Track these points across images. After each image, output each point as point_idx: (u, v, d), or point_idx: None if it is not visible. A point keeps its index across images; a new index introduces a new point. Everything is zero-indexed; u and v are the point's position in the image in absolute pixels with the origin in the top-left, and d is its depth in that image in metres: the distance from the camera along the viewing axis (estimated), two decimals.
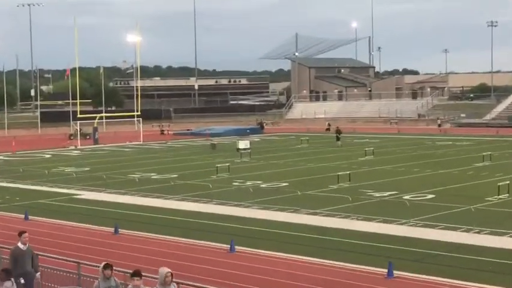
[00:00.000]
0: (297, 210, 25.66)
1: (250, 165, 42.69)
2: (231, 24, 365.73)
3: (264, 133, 75.54)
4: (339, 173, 33.74)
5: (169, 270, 11.26)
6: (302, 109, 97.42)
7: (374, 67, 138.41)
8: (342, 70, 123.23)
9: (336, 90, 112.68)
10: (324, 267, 17.90)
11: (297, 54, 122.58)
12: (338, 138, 55.72)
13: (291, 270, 17.67)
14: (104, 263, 11.66)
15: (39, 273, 13.61)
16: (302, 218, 24.47)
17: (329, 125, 76.98)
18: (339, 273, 17.29)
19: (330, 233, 21.95)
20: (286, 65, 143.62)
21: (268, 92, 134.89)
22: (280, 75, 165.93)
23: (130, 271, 13.42)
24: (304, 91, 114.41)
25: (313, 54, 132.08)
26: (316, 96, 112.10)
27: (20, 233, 13.90)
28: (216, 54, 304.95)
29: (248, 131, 74.38)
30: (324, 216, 24.83)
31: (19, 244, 13.68)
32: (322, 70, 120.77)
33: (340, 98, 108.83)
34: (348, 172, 34.33)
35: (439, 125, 77.89)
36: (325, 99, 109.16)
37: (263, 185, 32.91)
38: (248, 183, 33.40)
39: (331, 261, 18.35)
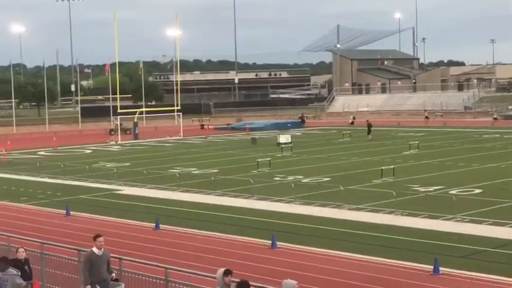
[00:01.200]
0: (339, 206, 25.19)
1: (292, 159, 42.26)
2: (271, 17, 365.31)
3: (305, 127, 75.01)
4: (383, 168, 33.12)
5: (229, 270, 11.10)
6: (344, 102, 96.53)
7: (418, 59, 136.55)
8: (385, 62, 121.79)
9: (379, 83, 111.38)
10: (368, 264, 17.51)
11: (338, 46, 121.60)
12: (369, 132, 55.06)
13: (333, 267, 17.33)
14: (224, 269, 11.20)
15: (113, 274, 12.91)
16: (345, 214, 24.02)
17: (354, 118, 76.32)
18: (383, 270, 16.90)
19: (374, 229, 21.48)
20: (328, 58, 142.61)
21: (309, 85, 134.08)
22: (322, 68, 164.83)
23: (172, 266, 13.24)
24: (346, 84, 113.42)
25: (355, 46, 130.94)
26: (358, 89, 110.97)
27: (95, 237, 12.88)
28: (256, 47, 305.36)
29: (289, 125, 73.94)
30: (367, 211, 24.34)
31: (94, 249, 12.75)
32: (365, 62, 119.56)
33: (383, 90, 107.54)
34: (392, 166, 33.68)
35: (495, 118, 75.37)
36: (367, 92, 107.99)
37: (304, 180, 32.47)
38: (289, 178, 33.00)
39: (375, 258, 17.99)
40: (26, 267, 13.40)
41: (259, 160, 38.09)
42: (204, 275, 12.98)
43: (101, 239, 12.78)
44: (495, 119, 75.46)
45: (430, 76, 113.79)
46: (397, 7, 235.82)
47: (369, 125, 56.57)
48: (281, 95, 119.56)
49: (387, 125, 73.20)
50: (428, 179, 31.73)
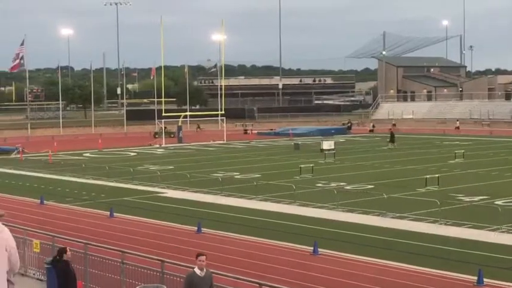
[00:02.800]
0: (382, 214, 24.94)
1: (335, 166, 42.04)
2: (317, 22, 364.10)
3: (350, 134, 74.58)
4: (427, 176, 32.70)
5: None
6: (389, 109, 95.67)
7: (465, 66, 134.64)
8: (432, 69, 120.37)
9: (425, 90, 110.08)
10: (410, 273, 17.33)
11: (384, 53, 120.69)
12: (392, 140, 54.65)
13: (375, 275, 17.16)
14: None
15: None
16: (388, 222, 23.78)
17: (373, 126, 75.62)
18: (425, 280, 16.70)
19: (417, 238, 21.22)
20: (373, 64, 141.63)
21: (354, 91, 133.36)
22: (367, 75, 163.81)
23: (214, 270, 13.27)
24: (392, 91, 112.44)
25: (401, 53, 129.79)
26: (403, 96, 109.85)
27: (197, 255, 11.62)
28: (301, 52, 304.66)
29: (333, 131, 73.59)
30: (410, 220, 24.06)
31: (196, 269, 11.47)
32: (411, 69, 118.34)
33: (429, 98, 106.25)
34: (437, 175, 33.21)
35: None
36: (413, 99, 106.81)
37: (348, 187, 32.26)
38: (332, 185, 32.82)
39: (417, 267, 17.80)
40: (70, 267, 13.64)
41: (302, 166, 37.98)
42: (246, 280, 12.99)
43: (202, 258, 11.45)
44: None
45: (477, 84, 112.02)
46: (445, 14, 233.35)
47: (392, 133, 56.17)
48: (325, 101, 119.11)
49: (432, 133, 72.34)
50: (473, 189, 31.22)
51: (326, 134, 69.95)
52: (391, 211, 25.16)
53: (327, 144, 50.58)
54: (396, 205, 26.40)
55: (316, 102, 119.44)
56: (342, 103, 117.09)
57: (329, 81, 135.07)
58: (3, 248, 9.87)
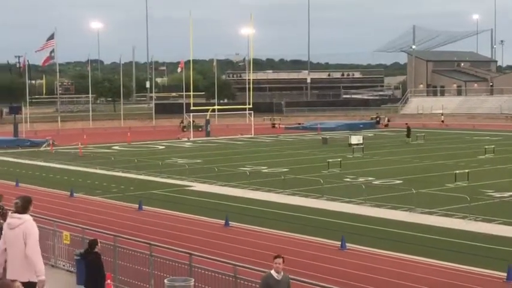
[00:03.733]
0: (411, 209, 24.79)
1: (363, 160, 41.86)
2: (346, 16, 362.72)
3: (378, 128, 74.18)
4: (457, 171, 32.40)
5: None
6: (418, 104, 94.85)
7: (496, 61, 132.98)
8: (462, 64, 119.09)
9: (455, 85, 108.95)
10: (438, 269, 17.21)
11: (414, 47, 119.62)
12: (408, 135, 54.83)
13: (403, 270, 17.10)
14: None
15: None
16: (416, 217, 23.63)
17: (388, 120, 75.74)
18: (454, 276, 16.60)
19: (446, 234, 21.08)
20: (402, 58, 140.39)
21: (382, 86, 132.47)
22: (396, 69, 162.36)
23: (241, 263, 13.31)
24: (421, 85, 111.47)
25: (431, 47, 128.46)
26: (433, 90, 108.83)
27: (274, 258, 11.04)
28: (329, 46, 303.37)
29: (361, 125, 73.24)
30: (439, 216, 23.89)
31: (272, 272, 10.89)
32: (440, 64, 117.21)
33: (459, 93, 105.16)
34: (467, 170, 32.90)
35: None
36: (442, 94, 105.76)
37: (376, 182, 32.10)
38: (360, 179, 32.69)
39: (446, 263, 17.68)
40: (100, 259, 13.79)
41: (330, 160, 37.87)
42: None
43: (279, 260, 10.86)
44: None
45: (508, 79, 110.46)
46: (476, 8, 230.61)
47: (408, 128, 55.89)
48: (353, 96, 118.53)
49: (462, 128, 71.65)
50: (503, 185, 30.89)
51: (354, 128, 69.66)
52: (420, 206, 25.00)
53: (355, 139, 50.38)
54: (425, 200, 26.20)
55: (345, 96, 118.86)
56: (371, 97, 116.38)
57: (357, 75, 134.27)
58: (20, 239, 9.87)
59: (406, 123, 60.00)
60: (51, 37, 71.70)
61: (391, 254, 18.72)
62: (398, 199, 26.81)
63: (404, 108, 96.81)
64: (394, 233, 21.44)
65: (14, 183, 32.58)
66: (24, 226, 9.90)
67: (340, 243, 19.45)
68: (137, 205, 26.25)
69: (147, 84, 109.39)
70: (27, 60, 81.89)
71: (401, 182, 31.99)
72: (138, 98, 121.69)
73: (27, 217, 9.86)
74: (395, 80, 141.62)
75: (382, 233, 21.36)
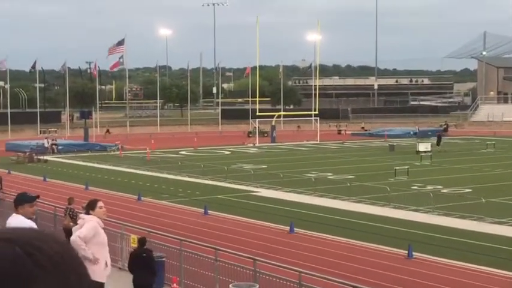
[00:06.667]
0: (480, 219, 24.19)
1: (431, 168, 41.13)
2: (414, 22, 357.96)
3: (447, 136, 72.75)
4: None
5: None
6: (488, 111, 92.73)
7: None
8: None
9: None
10: (509, 280, 16.66)
11: (484, 53, 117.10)
12: (438, 143, 53.56)
13: (471, 281, 16.69)
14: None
15: None
16: (486, 227, 23.04)
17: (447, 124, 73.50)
18: None
19: None
20: (473, 65, 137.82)
21: (452, 92, 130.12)
22: (466, 76, 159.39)
23: (305, 270, 13.22)
24: (491, 92, 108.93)
25: (503, 54, 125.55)
26: (504, 98, 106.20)
27: None
28: (397, 52, 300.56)
29: (429, 133, 71.98)
30: (510, 225, 23.24)
31: None
32: None
33: None
34: None
35: None
36: None
37: (444, 190, 31.48)
38: (428, 188, 32.10)
39: None
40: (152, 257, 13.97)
41: (397, 168, 37.33)
42: (337, 281, 12.88)
43: None
44: None
45: None
46: None
47: (439, 136, 55.36)
48: (422, 102, 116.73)
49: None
50: None
51: (422, 135, 68.53)
52: (490, 216, 24.38)
53: (423, 146, 49.56)
54: (495, 210, 25.54)
55: (412, 103, 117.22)
56: (440, 104, 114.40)
57: (426, 81, 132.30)
58: None
59: (438, 132, 59.37)
60: (121, 43, 73.18)
61: (459, 263, 18.29)
62: (467, 208, 26.18)
63: (474, 115, 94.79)
64: (462, 242, 20.95)
65: (84, 187, 33.32)
66: (85, 224, 10.16)
67: (407, 252, 19.13)
68: (203, 210, 26.44)
69: (214, 90, 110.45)
70: (98, 66, 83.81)
71: (470, 190, 31.27)
72: (205, 104, 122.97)
73: (89, 217, 10.07)
74: (465, 86, 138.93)
75: (450, 243, 20.91)
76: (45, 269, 1.19)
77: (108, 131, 72.84)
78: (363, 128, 78.45)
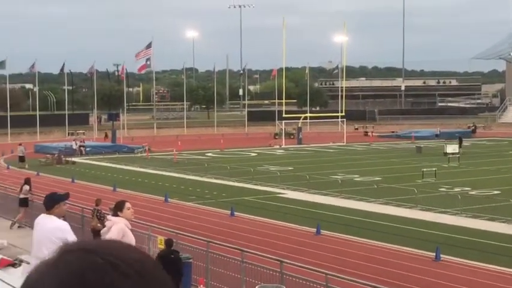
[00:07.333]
0: (508, 221, 23.96)
1: (459, 170, 40.80)
2: (441, 22, 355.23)
3: (475, 137, 72.15)
4: None
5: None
6: None
7: None
8: None
9: None
10: None
11: None
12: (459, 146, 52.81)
13: (500, 284, 16.50)
14: None
15: None
16: None
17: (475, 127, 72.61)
18: None
19: None
20: (501, 66, 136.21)
21: (479, 94, 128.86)
22: (494, 77, 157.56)
23: (332, 272, 13.22)
24: None
25: None
26: None
27: None
28: (425, 53, 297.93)
29: (457, 134, 71.36)
30: None
31: None
32: None
33: None
34: None
35: None
36: None
37: (472, 192, 31.21)
38: (456, 190, 31.86)
39: None
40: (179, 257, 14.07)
41: (424, 170, 37.09)
42: (363, 283, 12.86)
43: None
44: None
45: None
46: None
47: (460, 138, 54.80)
48: (449, 104, 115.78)
49: None
50: None
51: (450, 137, 67.97)
52: None
53: (451, 148, 49.15)
54: None
55: (440, 104, 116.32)
56: (468, 106, 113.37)
57: (454, 83, 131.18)
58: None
59: (459, 135, 59.23)
60: (149, 46, 73.77)
61: (488, 266, 18.15)
62: (495, 210, 25.95)
63: (503, 117, 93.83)
64: (491, 245, 20.76)
65: (111, 188, 33.59)
66: (112, 227, 10.25)
67: (434, 254, 19.01)
68: (229, 211, 26.52)
69: (240, 92, 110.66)
70: (126, 69, 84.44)
71: (499, 192, 30.96)
72: (232, 106, 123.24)
73: (116, 219, 10.15)
74: (493, 88, 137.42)
75: (478, 245, 20.75)
76: (129, 277, 1.21)
77: (106, 135, 70.80)
78: (393, 132, 78.04)
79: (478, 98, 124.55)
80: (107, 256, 1.22)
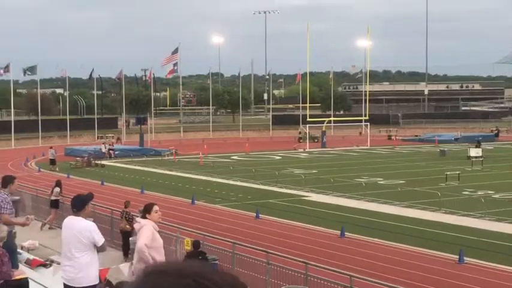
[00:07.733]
0: None
1: (482, 174, 40.81)
2: (464, 27, 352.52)
3: (498, 141, 71.80)
4: None
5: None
6: None
7: None
8: None
9: None
10: None
11: None
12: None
13: None
14: None
15: None
16: None
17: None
18: None
19: None
20: None
21: (503, 98, 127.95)
22: None
23: (356, 275, 13.52)
24: None
25: None
26: None
27: None
28: (448, 58, 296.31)
29: (480, 138, 71.07)
30: None
31: None
32: None
33: None
34: None
35: None
36: None
37: (495, 196, 31.30)
38: (479, 193, 31.97)
39: None
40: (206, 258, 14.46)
41: (448, 173, 37.19)
42: (388, 286, 13.12)
43: None
44: None
45: None
46: None
47: (478, 141, 55.00)
48: (472, 108, 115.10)
49: None
50: None
51: (473, 141, 67.68)
52: None
53: (474, 152, 49.11)
54: None
55: (463, 108, 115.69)
56: (491, 110, 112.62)
57: (477, 87, 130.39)
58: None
59: (477, 139, 59.00)
60: (176, 51, 74.55)
61: (511, 269, 18.31)
62: None
63: None
64: None
65: (139, 190, 34.14)
66: (142, 229, 10.63)
67: (458, 257, 19.21)
68: (254, 213, 26.88)
69: (265, 96, 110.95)
70: (153, 74, 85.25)
71: None
72: (256, 110, 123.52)
73: (145, 221, 10.47)
74: None
75: (501, 248, 20.90)
76: None
77: (119, 138, 69.63)
78: (416, 136, 77.86)
79: (501, 102, 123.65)
80: (199, 278, 1.24)
